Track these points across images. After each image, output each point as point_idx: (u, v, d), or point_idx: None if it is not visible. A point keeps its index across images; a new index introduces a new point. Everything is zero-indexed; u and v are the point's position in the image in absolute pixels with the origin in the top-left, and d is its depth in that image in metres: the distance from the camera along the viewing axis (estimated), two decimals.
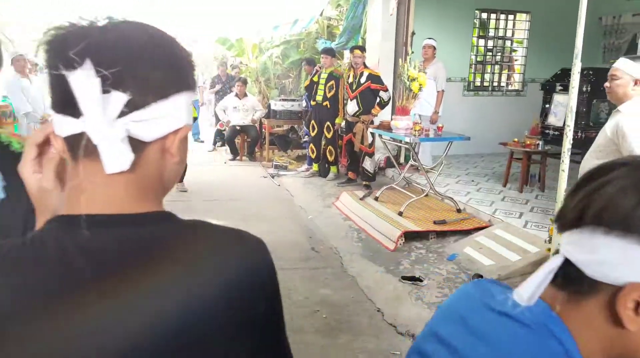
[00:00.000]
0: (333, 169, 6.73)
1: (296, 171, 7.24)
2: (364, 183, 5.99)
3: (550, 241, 3.06)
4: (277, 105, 8.16)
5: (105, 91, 0.52)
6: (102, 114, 0.52)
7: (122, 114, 0.53)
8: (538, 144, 5.05)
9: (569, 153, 2.58)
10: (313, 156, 6.89)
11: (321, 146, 6.76)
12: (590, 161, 2.27)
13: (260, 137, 8.43)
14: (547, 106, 6.33)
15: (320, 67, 6.55)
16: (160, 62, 0.57)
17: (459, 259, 3.89)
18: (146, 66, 0.55)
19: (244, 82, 8.57)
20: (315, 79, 6.60)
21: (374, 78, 5.64)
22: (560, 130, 4.91)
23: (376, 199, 5.24)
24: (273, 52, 10.53)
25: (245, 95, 8.42)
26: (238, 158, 8.34)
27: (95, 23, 0.55)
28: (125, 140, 0.54)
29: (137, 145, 0.55)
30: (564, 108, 5.03)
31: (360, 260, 4.01)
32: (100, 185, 0.56)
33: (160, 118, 0.56)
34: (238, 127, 8.21)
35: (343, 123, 6.24)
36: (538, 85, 7.32)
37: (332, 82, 6.35)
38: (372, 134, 5.66)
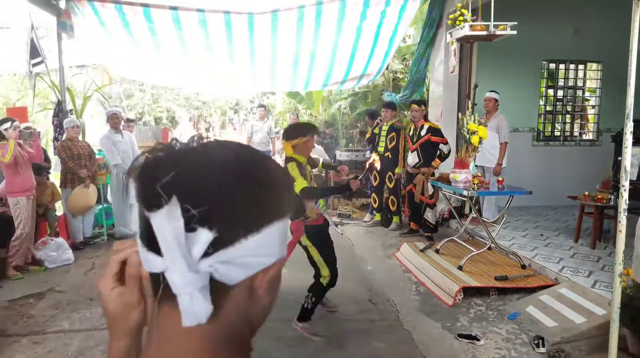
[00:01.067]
0: (395, 219, 6.78)
1: (360, 221, 7.36)
2: (425, 234, 5.97)
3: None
4: (342, 155, 8.43)
5: (190, 229, 0.46)
6: (184, 257, 0.46)
7: (207, 254, 0.47)
8: (610, 198, 4.81)
9: (625, 213, 2.51)
10: (375, 206, 7.02)
11: (383, 195, 6.87)
12: None
13: (326, 185, 8.68)
14: (619, 158, 6.02)
15: (381, 120, 6.77)
16: (252, 191, 0.50)
17: (520, 318, 3.75)
18: (238, 197, 0.49)
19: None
20: (376, 131, 6.83)
21: (434, 131, 5.74)
22: (635, 183, 4.67)
23: (437, 251, 5.21)
24: (341, 104, 10.95)
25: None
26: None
27: (189, 145, 0.52)
28: (206, 288, 0.48)
29: (220, 289, 0.49)
30: (638, 161, 4.80)
31: (416, 314, 3.99)
32: (177, 335, 0.50)
33: (251, 256, 0.50)
34: None
35: (404, 174, 6.34)
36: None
37: (393, 133, 6.54)
38: (434, 185, 5.69)
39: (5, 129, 4.82)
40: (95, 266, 5.34)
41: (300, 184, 3.44)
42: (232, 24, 6.81)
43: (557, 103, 7.69)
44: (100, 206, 6.43)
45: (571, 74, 7.58)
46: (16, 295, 4.43)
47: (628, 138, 2.47)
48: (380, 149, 6.68)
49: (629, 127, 2.46)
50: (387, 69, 8.91)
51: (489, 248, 4.81)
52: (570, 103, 7.66)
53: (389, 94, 8.61)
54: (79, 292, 4.51)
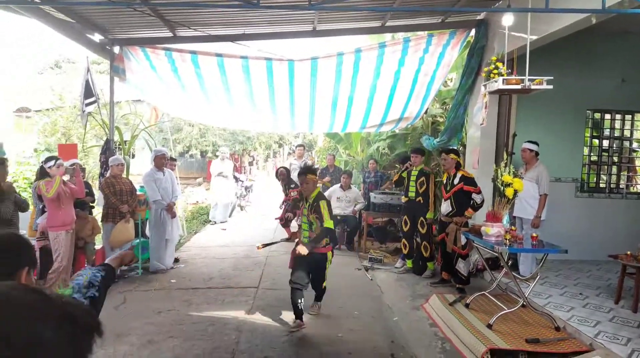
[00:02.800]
0: (430, 265, 6.62)
1: (391, 266, 7.22)
2: (457, 285, 5.78)
3: None
4: (377, 198, 8.39)
5: None
6: None
7: None
8: None
9: None
10: (405, 252, 6.88)
11: (414, 241, 6.75)
12: None
13: (359, 227, 8.64)
14: None
15: (410, 165, 6.75)
16: None
17: None
18: None
19: (350, 175, 9.02)
20: (404, 175, 6.81)
21: (467, 180, 5.63)
22: None
23: (467, 306, 5.02)
24: (380, 145, 10.97)
25: (350, 187, 8.82)
26: (337, 246, 8.58)
27: None
28: None
29: None
30: None
31: None
32: None
33: None
34: (339, 217, 8.54)
35: (435, 221, 6.24)
36: None
37: (423, 178, 6.51)
38: (466, 236, 5.54)
39: (49, 167, 5.16)
40: (126, 300, 5.50)
41: (329, 223, 4.68)
42: (273, 69, 7.08)
43: (603, 153, 7.38)
44: (138, 240, 6.66)
45: (617, 124, 7.29)
46: None
47: None
48: (411, 194, 6.65)
49: None
50: (425, 112, 8.91)
51: (522, 306, 4.59)
52: (617, 154, 7.33)
53: (427, 137, 8.57)
54: (107, 327, 4.63)
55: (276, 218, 8.58)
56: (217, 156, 13.04)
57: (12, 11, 4.96)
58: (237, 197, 12.87)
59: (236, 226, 10.64)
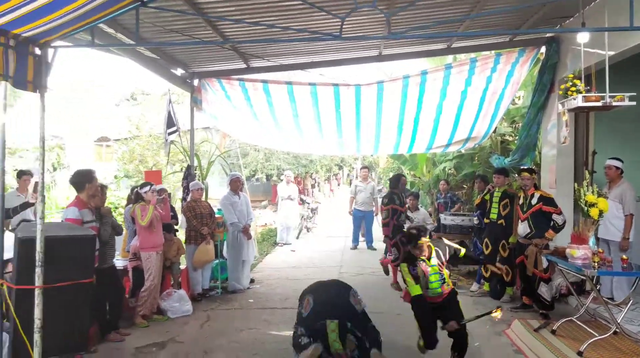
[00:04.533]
0: (509, 290, 6.39)
1: (466, 289, 7.06)
2: (540, 311, 5.55)
3: None
4: (447, 219, 8.26)
5: None
6: None
7: None
8: None
9: None
10: (486, 275, 6.65)
11: (495, 265, 6.54)
12: None
13: None
14: None
15: (492, 187, 6.57)
16: None
17: None
18: None
19: (416, 196, 8.96)
20: (486, 197, 6.61)
21: (546, 200, 5.44)
22: None
23: (553, 332, 4.81)
24: (446, 165, 10.85)
25: (417, 208, 8.76)
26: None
27: None
28: None
29: None
30: None
31: None
32: None
33: None
34: None
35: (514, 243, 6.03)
36: None
37: (507, 200, 6.26)
38: (548, 259, 5.34)
39: (145, 192, 5.58)
40: (210, 318, 5.77)
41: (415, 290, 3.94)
42: (340, 94, 7.30)
43: None
44: (217, 261, 6.98)
45: None
46: (141, 343, 4.92)
47: None
48: (493, 216, 6.41)
49: None
50: (494, 131, 8.75)
51: (614, 333, 4.35)
52: None
53: (497, 157, 8.40)
54: (195, 344, 4.90)
55: (382, 261, 7.88)
56: (281, 180, 13.45)
57: (111, 52, 5.51)
58: (304, 219, 13.12)
59: (304, 248, 10.83)
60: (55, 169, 20.82)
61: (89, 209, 4.66)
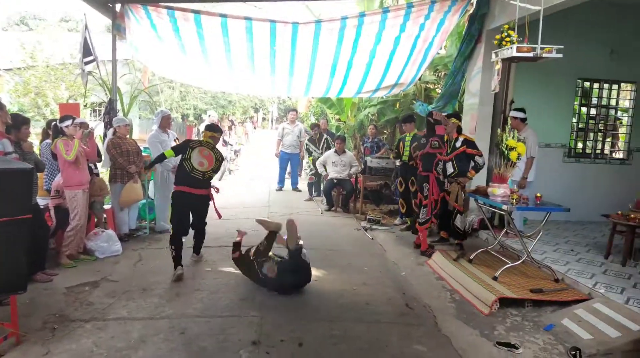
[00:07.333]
0: (408, 220, 7.26)
1: (389, 227, 7.55)
2: (456, 241, 6.13)
3: None
4: (372, 162, 8.62)
5: None
6: None
7: None
8: None
9: None
10: (403, 211, 7.38)
11: (410, 201, 7.08)
12: None
13: (354, 191, 8.90)
14: None
15: (402, 132, 7.15)
16: None
17: (556, 330, 3.91)
18: None
19: (343, 139, 9.19)
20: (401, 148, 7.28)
21: (469, 143, 5.88)
22: None
23: (470, 261, 5.38)
24: (370, 110, 11.14)
25: (344, 151, 9.01)
26: (333, 208, 8.87)
27: None
28: None
29: None
30: None
31: (454, 321, 4.15)
32: None
33: None
34: (335, 181, 8.78)
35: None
36: None
37: (416, 143, 6.79)
38: (469, 196, 5.85)
39: (66, 126, 5.12)
40: (142, 258, 5.62)
41: None
42: (277, 32, 7.06)
43: (590, 121, 7.80)
44: (144, 201, 6.71)
45: (605, 94, 7.69)
46: (72, 283, 4.70)
47: None
48: (405, 158, 7.21)
49: None
50: (419, 79, 9.08)
51: (523, 262, 4.96)
52: (603, 122, 7.76)
53: (420, 104, 8.78)
54: (131, 282, 4.78)
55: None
56: (203, 120, 12.95)
57: None
58: (227, 161, 12.89)
59: (229, 189, 10.72)
60: None
61: (9, 139, 4.20)
